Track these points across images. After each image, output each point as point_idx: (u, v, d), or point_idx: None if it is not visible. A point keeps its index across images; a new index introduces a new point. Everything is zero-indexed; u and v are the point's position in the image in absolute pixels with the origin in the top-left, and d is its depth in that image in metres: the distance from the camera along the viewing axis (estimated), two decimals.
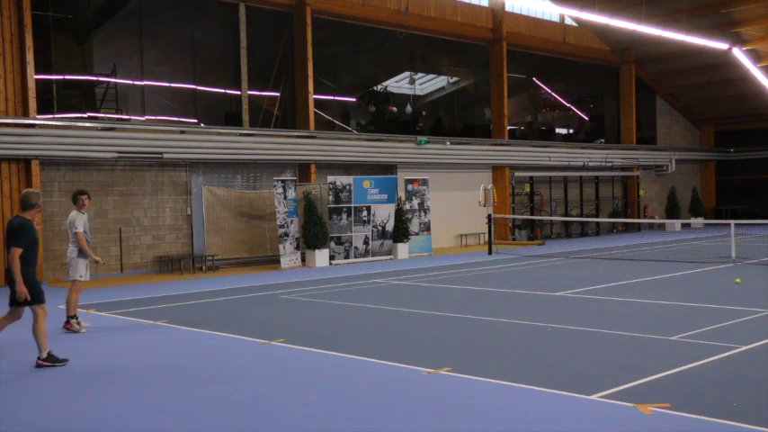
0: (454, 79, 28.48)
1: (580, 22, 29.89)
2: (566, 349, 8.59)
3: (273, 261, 20.14)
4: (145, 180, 19.18)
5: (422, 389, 7.07)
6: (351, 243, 20.48)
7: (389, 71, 26.18)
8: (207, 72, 21.32)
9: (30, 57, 17.06)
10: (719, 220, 31.20)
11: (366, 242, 20.78)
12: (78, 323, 10.77)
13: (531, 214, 27.98)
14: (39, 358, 8.35)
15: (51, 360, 8.37)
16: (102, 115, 19.16)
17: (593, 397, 6.54)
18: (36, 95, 17.23)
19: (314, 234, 19.47)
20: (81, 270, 10.73)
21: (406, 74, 26.53)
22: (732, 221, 19.15)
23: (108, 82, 19.31)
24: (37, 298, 8.37)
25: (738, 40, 28.83)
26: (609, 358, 8.04)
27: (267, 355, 8.80)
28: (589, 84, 33.39)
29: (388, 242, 21.24)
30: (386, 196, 21.09)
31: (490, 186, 23.30)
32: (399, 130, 25.18)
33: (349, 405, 6.63)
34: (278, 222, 19.43)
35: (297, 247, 19.82)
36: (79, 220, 10.67)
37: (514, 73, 28.94)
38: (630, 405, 6.23)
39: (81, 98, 19.20)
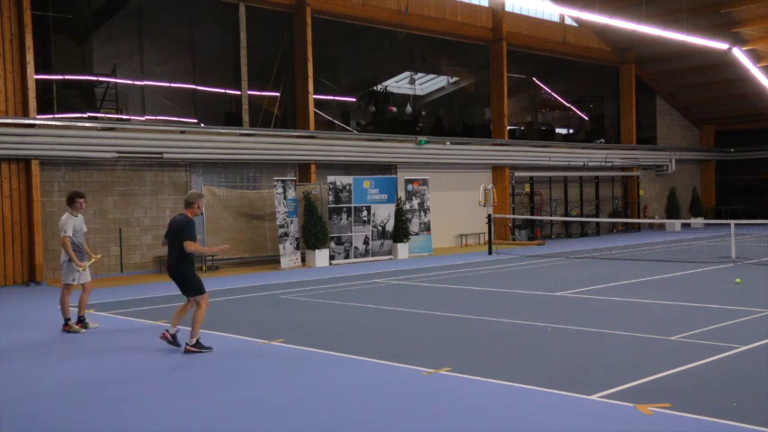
0: (454, 79, 28.47)
1: (580, 22, 29.88)
2: (566, 349, 8.59)
3: (273, 261, 20.14)
4: (145, 180, 19.18)
5: (422, 389, 7.06)
6: (351, 243, 20.48)
7: (389, 71, 26.17)
8: (207, 72, 21.32)
9: (30, 57, 17.07)
10: (719, 220, 31.20)
11: (366, 242, 20.78)
12: (85, 324, 10.77)
13: (531, 214, 27.97)
14: (187, 344, 8.94)
15: (198, 347, 8.92)
16: (102, 115, 19.16)
17: (593, 397, 6.53)
18: (36, 95, 17.23)
19: (314, 234, 19.47)
20: (74, 274, 10.66)
21: (406, 74, 26.53)
22: (732, 221, 19.14)
23: (108, 82, 19.31)
24: (197, 290, 9.11)
25: (738, 40, 28.83)
26: (609, 358, 8.04)
27: (267, 355, 8.81)
28: (589, 84, 33.38)
29: (388, 242, 21.24)
30: (386, 196, 21.09)
31: (490, 186, 23.30)
32: (399, 130, 25.18)
33: (349, 405, 6.63)
34: (278, 222, 19.43)
35: (297, 247, 19.82)
36: (69, 224, 10.47)
37: (514, 73, 28.93)
38: (630, 405, 6.23)
39: (81, 98, 19.20)
